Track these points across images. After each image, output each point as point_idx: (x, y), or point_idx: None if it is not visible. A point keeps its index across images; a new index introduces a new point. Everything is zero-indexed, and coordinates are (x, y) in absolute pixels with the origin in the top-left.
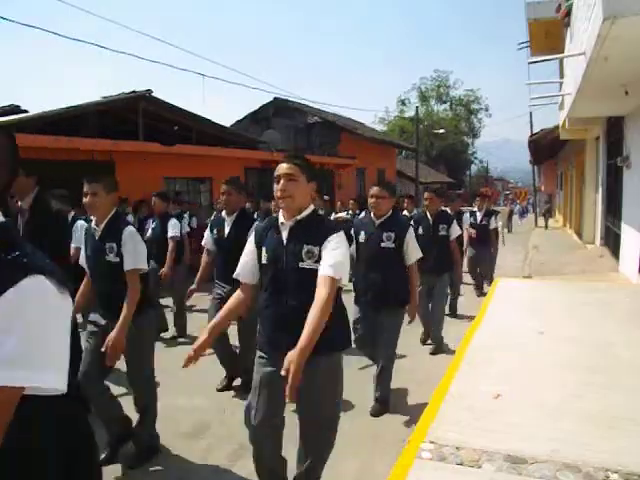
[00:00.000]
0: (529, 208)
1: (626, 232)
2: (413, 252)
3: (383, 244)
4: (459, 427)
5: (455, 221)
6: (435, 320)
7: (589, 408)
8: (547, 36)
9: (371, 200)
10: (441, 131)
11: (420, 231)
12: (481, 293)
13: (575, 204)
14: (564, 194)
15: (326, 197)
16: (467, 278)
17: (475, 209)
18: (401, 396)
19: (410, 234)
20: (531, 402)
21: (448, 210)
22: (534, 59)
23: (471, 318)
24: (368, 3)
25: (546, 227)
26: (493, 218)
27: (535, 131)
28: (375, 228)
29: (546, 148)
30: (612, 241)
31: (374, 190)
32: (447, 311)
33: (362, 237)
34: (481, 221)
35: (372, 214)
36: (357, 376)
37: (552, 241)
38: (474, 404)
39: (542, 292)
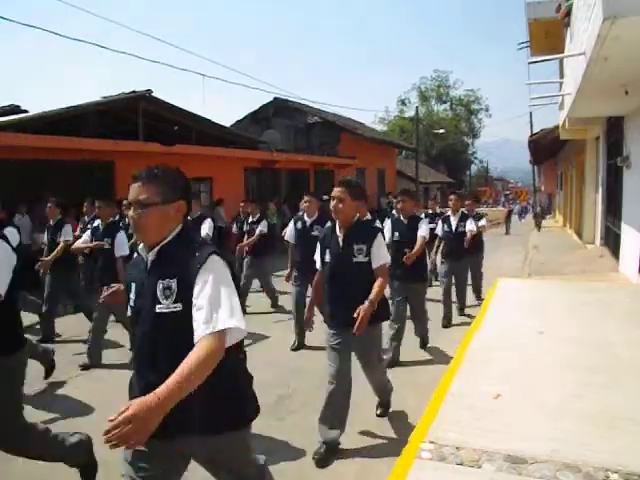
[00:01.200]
0: (529, 208)
1: (626, 232)
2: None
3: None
4: (459, 427)
5: (379, 237)
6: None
7: (589, 408)
8: (547, 36)
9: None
10: (441, 131)
11: (327, 256)
12: (448, 323)
13: (575, 204)
14: (564, 194)
15: (326, 197)
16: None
17: (448, 212)
18: (401, 396)
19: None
20: (531, 402)
21: (398, 214)
22: (534, 59)
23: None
24: (368, 3)
25: (538, 229)
26: (471, 220)
27: (535, 131)
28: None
29: (546, 148)
30: (612, 241)
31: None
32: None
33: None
34: (457, 228)
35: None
36: (358, 376)
37: (552, 241)
38: (474, 404)
39: (542, 292)
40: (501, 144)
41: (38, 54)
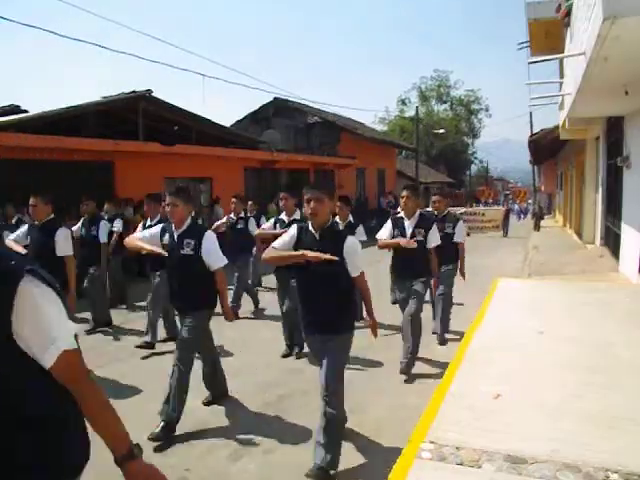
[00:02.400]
0: (529, 208)
1: (626, 232)
2: None
3: None
4: (459, 427)
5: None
6: None
7: (589, 408)
8: (547, 36)
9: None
10: (441, 131)
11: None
12: (407, 374)
13: (575, 204)
14: (564, 194)
15: None
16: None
17: (401, 214)
18: (401, 396)
19: None
20: (531, 402)
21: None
22: (534, 59)
23: None
24: (368, 3)
25: (537, 229)
26: (435, 229)
27: (535, 131)
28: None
29: (546, 148)
30: (612, 241)
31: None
32: None
33: None
34: (412, 236)
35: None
36: (357, 377)
37: (552, 241)
38: (474, 404)
39: (542, 292)
40: (501, 144)
41: (38, 54)
